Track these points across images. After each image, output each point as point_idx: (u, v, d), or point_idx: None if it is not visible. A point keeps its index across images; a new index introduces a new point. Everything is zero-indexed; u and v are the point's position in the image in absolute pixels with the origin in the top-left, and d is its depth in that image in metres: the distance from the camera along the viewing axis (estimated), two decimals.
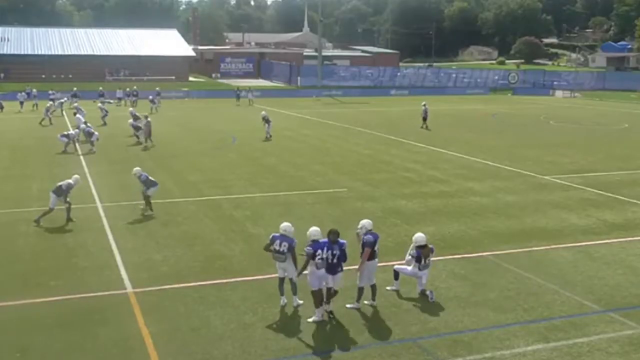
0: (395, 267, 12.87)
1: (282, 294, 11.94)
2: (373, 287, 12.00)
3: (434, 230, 16.93)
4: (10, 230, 16.94)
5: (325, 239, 11.45)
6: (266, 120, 35.49)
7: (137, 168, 19.20)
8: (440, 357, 10.17)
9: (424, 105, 42.28)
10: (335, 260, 11.32)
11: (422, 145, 33.13)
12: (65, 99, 52.70)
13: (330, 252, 11.25)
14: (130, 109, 40.54)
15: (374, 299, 12.02)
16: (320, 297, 11.36)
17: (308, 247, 11.35)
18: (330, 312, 11.50)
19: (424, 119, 41.51)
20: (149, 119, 32.80)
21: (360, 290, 11.91)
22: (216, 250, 15.39)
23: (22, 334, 10.80)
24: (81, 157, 28.85)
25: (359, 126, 41.61)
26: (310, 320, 11.33)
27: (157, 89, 58.76)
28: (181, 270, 13.98)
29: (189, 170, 25.86)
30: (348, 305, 11.82)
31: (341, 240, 11.49)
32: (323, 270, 11.28)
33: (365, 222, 12.24)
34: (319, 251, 11.25)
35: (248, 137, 36.09)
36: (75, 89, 57.31)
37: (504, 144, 34.12)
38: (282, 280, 11.92)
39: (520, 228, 17.69)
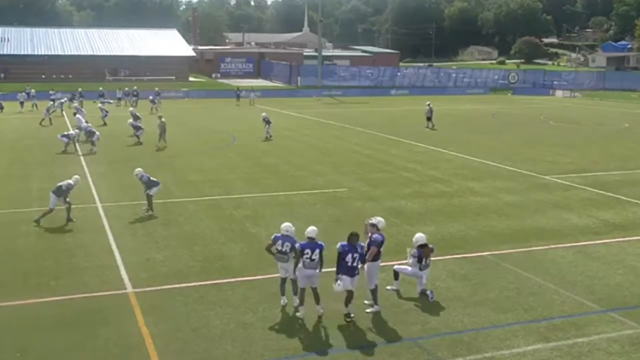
0: (395, 267, 12.86)
1: (283, 294, 11.96)
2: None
3: (434, 230, 16.92)
4: (10, 230, 16.95)
5: (320, 242, 11.49)
6: (267, 121, 35.56)
7: (139, 169, 19.20)
8: (440, 357, 10.17)
9: (429, 104, 42.27)
10: (355, 263, 11.32)
11: (422, 145, 33.13)
12: (65, 99, 52.62)
13: (350, 255, 11.23)
14: (131, 108, 40.60)
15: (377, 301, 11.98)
16: (303, 295, 11.52)
17: (297, 244, 11.50)
18: (348, 314, 11.41)
19: (429, 118, 41.52)
20: (163, 120, 32.79)
21: (373, 292, 11.88)
22: (216, 250, 15.39)
23: (22, 334, 10.80)
24: (81, 157, 28.85)
25: (359, 126, 41.61)
26: (298, 314, 11.51)
27: (157, 89, 58.83)
28: (181, 270, 13.98)
29: (189, 170, 25.86)
30: (368, 310, 11.78)
31: (361, 243, 11.51)
32: (310, 271, 11.32)
33: (382, 221, 12.23)
34: (307, 250, 11.30)
35: (248, 137, 36.10)
36: (80, 89, 57.23)
37: (504, 144, 34.11)
38: (283, 280, 11.94)
39: (520, 228, 17.69)
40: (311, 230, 11.57)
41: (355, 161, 28.38)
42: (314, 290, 11.46)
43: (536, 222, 18.27)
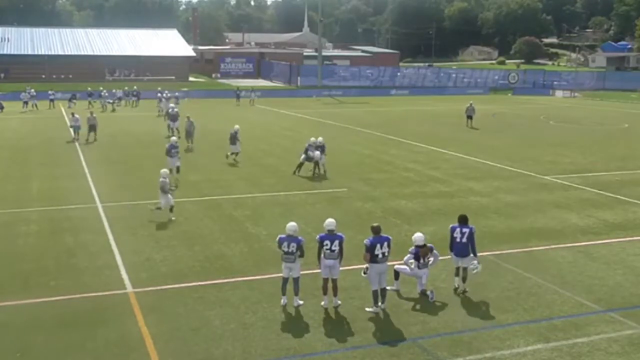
0: (396, 267, 12.85)
1: (284, 294, 11.98)
2: (380, 292, 11.99)
3: (434, 230, 16.91)
4: (10, 230, 16.94)
5: (339, 233, 11.82)
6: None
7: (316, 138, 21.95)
8: (440, 357, 10.17)
9: (471, 103, 42.85)
10: (464, 239, 12.50)
11: (422, 145, 33.13)
12: (120, 95, 53.30)
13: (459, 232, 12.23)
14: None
15: (376, 304, 11.98)
16: (325, 286, 11.79)
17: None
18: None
19: (470, 117, 42.00)
20: (191, 120, 32.58)
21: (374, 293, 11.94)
22: (216, 250, 15.39)
23: (22, 334, 10.80)
24: (81, 158, 28.82)
25: (359, 126, 41.61)
26: (322, 303, 11.83)
27: (159, 88, 58.91)
28: (181, 270, 13.98)
29: (189, 170, 25.80)
30: (368, 309, 11.83)
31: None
32: (331, 261, 11.64)
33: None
34: (327, 242, 11.63)
35: (248, 137, 36.02)
36: (89, 88, 57.18)
37: (504, 144, 34.11)
38: (286, 280, 11.97)
39: (520, 228, 17.69)
40: (329, 222, 11.89)
41: (355, 161, 28.37)
42: (334, 282, 11.78)
43: (536, 222, 18.27)
